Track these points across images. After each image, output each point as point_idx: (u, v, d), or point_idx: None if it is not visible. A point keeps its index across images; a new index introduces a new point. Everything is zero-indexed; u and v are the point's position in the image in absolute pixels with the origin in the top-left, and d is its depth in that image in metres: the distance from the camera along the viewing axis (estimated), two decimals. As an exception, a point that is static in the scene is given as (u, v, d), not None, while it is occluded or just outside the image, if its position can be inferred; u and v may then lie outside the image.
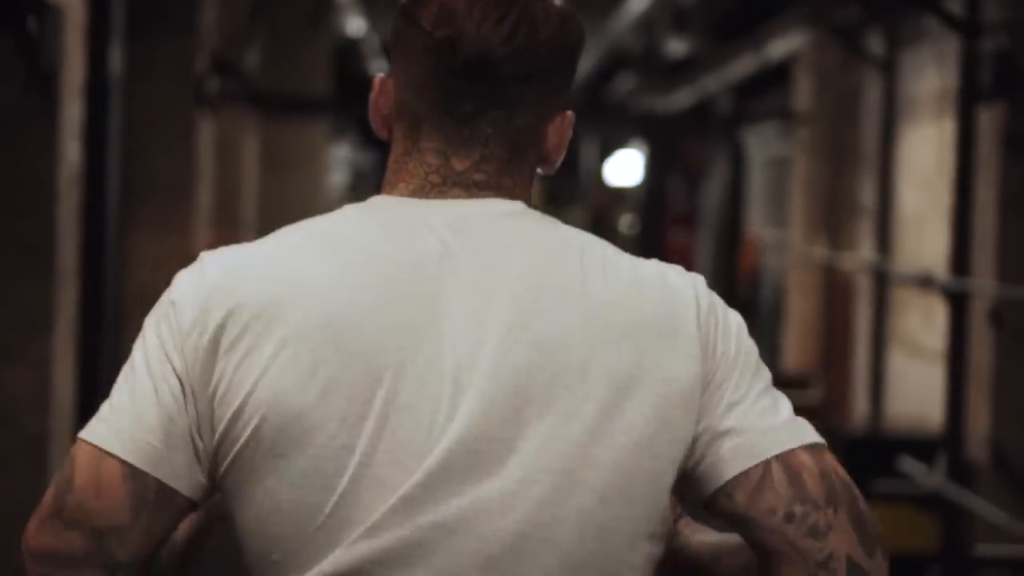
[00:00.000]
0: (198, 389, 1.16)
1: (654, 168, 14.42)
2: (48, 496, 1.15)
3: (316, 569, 1.13)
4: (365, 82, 9.34)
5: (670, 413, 1.17)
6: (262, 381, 1.14)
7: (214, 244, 9.04)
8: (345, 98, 12.08)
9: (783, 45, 8.86)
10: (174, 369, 1.17)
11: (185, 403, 1.16)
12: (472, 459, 1.13)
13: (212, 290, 1.21)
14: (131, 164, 8.33)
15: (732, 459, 1.18)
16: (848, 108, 7.57)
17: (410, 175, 1.22)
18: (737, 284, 10.22)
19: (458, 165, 1.22)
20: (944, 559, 4.33)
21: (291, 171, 12.98)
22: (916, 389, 7.07)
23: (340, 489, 1.12)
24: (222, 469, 1.16)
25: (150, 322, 1.26)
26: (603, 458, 1.15)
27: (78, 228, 5.30)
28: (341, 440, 1.13)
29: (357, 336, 1.14)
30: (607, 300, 1.18)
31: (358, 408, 1.13)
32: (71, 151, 5.21)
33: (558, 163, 1.27)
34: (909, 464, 4.66)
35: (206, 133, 8.58)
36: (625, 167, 15.61)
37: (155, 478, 1.15)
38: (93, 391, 7.00)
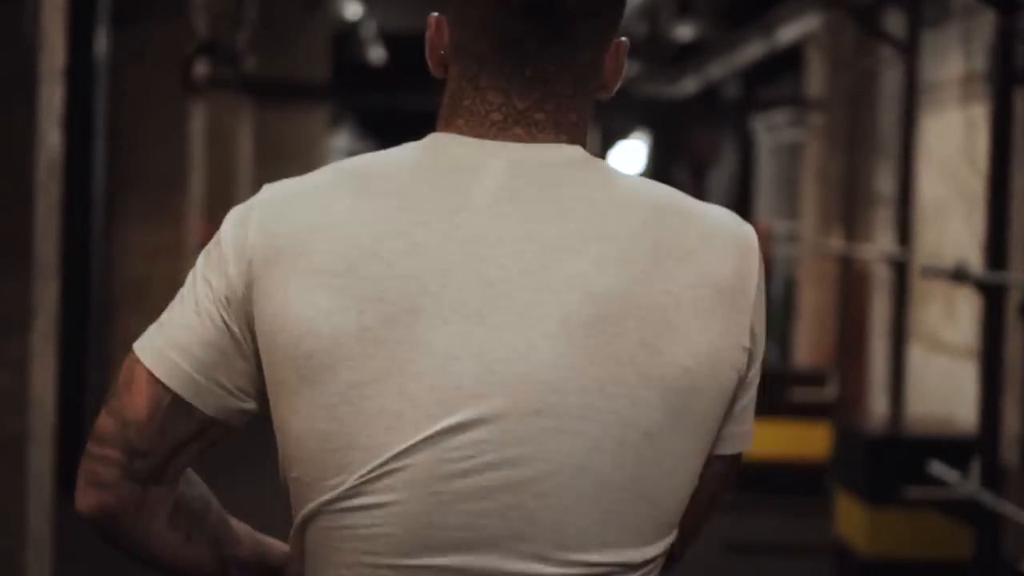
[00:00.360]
0: (236, 316, 1.22)
1: (658, 157, 14.14)
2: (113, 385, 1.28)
3: (332, 493, 1.18)
4: (364, 69, 9.12)
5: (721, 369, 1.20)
6: (288, 312, 1.18)
7: (207, 236, 8.76)
8: (343, 85, 11.77)
9: (795, 28, 8.57)
10: (214, 297, 1.24)
11: (225, 327, 1.23)
12: (513, 403, 1.15)
13: (253, 222, 1.22)
14: (120, 153, 8.07)
15: (721, 440, 1.24)
16: (864, 93, 7.29)
17: (469, 112, 1.22)
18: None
19: (520, 103, 1.21)
20: (979, 569, 4.05)
21: (289, 161, 12.69)
22: (936, 385, 6.80)
23: (359, 422, 1.17)
24: (269, 390, 1.22)
25: (202, 253, 1.30)
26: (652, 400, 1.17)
27: (59, 221, 5.02)
28: (357, 378, 1.16)
29: (374, 283, 1.17)
30: (662, 263, 1.18)
31: (371, 349, 1.16)
32: (52, 139, 4.92)
33: (615, 89, 1.28)
34: (939, 469, 4.38)
35: (199, 121, 8.29)
36: (629, 157, 15.32)
37: (172, 391, 1.24)
38: (78, 390, 6.75)
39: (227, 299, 1.23)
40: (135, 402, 1.24)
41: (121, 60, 7.74)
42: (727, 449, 1.25)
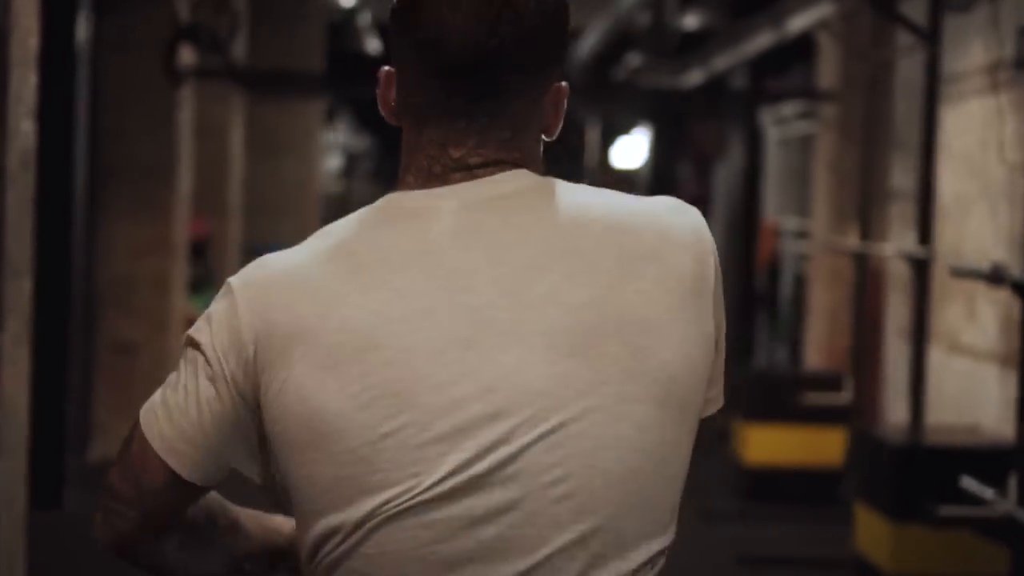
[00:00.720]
0: (241, 393, 1.31)
1: (661, 151, 13.83)
2: (125, 443, 1.38)
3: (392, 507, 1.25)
4: (361, 59, 8.80)
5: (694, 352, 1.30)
6: (297, 391, 1.26)
7: (197, 233, 8.45)
8: (338, 76, 11.45)
9: (806, 17, 8.26)
10: (216, 376, 1.31)
11: (231, 406, 1.31)
12: (517, 426, 1.23)
13: (251, 306, 1.30)
14: (105, 146, 7.78)
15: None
16: (880, 84, 6.98)
17: (416, 168, 1.31)
18: (754, 274, 9.62)
19: (455, 153, 1.29)
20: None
21: (284, 155, 12.40)
22: (956, 390, 6.50)
23: (384, 459, 1.24)
24: (279, 450, 1.30)
25: (199, 328, 1.35)
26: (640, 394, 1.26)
27: (33, 215, 4.71)
28: (373, 422, 1.24)
29: (372, 343, 1.24)
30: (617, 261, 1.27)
31: (381, 400, 1.24)
32: (24, 128, 4.61)
33: (556, 132, 1.34)
34: (972, 484, 4.08)
35: (187, 112, 7.98)
36: (632, 151, 15.01)
37: (179, 475, 1.34)
38: (57, 394, 6.45)
39: (231, 379, 1.31)
40: (150, 476, 1.35)
41: (105, 48, 7.43)
42: (702, 414, 1.34)
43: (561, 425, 1.23)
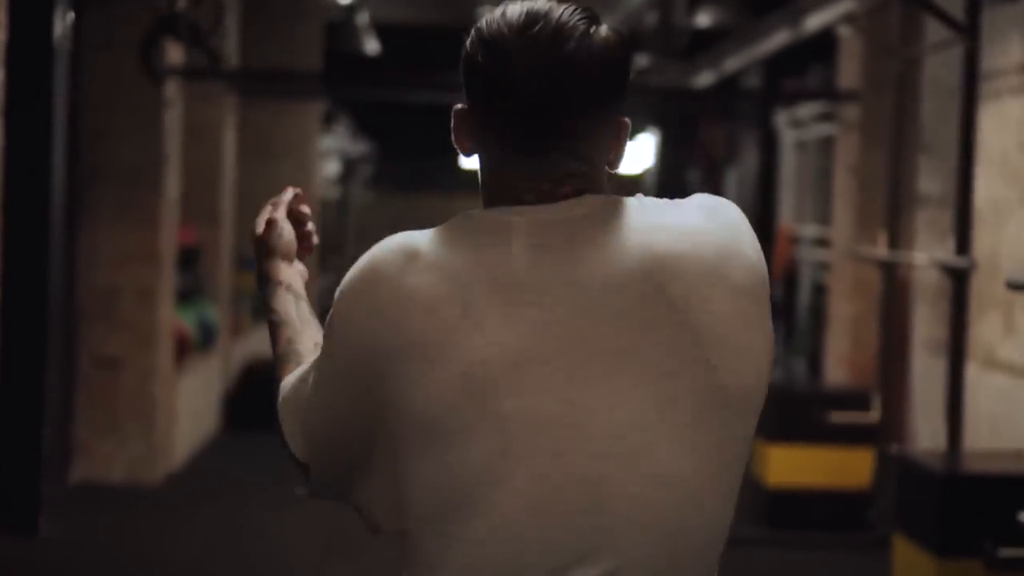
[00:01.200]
0: (370, 396, 1.43)
1: (670, 154, 13.42)
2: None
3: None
4: (359, 60, 8.30)
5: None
6: (412, 395, 1.39)
7: (186, 241, 8.03)
8: (335, 77, 11.05)
9: (827, 12, 7.87)
10: (349, 378, 1.45)
11: (361, 408, 1.44)
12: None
13: (374, 308, 1.42)
14: (86, 147, 7.37)
15: None
16: (906, 83, 6.58)
17: (505, 196, 1.44)
18: (770, 284, 9.23)
19: (545, 186, 1.43)
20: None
21: (279, 159, 12.00)
22: (991, 408, 6.10)
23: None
24: (398, 449, 1.42)
25: (329, 330, 1.48)
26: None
27: (-1, 222, 4.30)
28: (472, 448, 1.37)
29: (470, 344, 1.37)
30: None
31: (473, 412, 1.37)
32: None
33: (620, 163, 1.49)
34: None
35: (175, 113, 7.58)
36: (638, 155, 14.61)
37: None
38: (33, 412, 6.03)
39: (358, 382, 1.43)
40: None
41: (86, 45, 7.04)
42: None
43: (643, 430, 1.37)
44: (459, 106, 1.46)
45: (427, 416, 1.37)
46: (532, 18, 1.39)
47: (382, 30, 12.05)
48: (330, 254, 14.71)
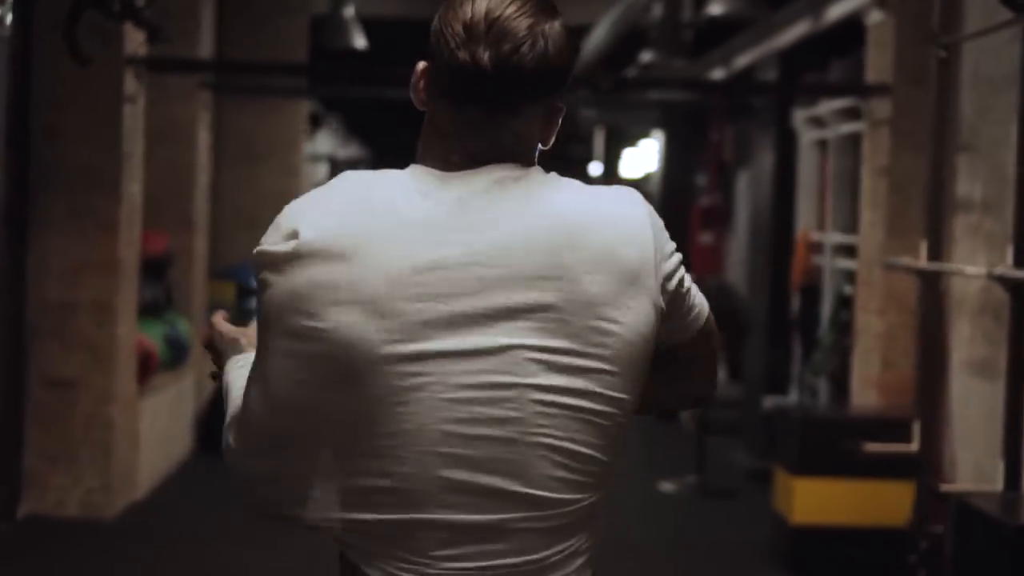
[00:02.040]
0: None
1: (676, 157, 12.76)
2: None
3: None
4: (346, 56, 7.62)
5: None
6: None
7: (155, 248, 7.35)
8: (318, 70, 10.39)
9: (849, 2, 7.21)
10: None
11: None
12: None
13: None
14: (36, 147, 6.63)
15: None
16: (948, 73, 5.90)
17: (438, 152, 1.64)
18: (788, 296, 8.52)
19: (471, 148, 1.62)
20: None
21: (263, 163, 11.33)
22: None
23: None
24: None
25: None
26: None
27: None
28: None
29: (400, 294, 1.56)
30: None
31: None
32: None
33: (550, 144, 1.68)
34: None
35: (138, 109, 6.90)
36: (643, 158, 13.94)
37: None
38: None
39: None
40: None
41: (34, 32, 6.35)
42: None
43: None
44: (423, 63, 1.66)
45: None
46: (495, 6, 1.58)
47: (370, 25, 11.43)
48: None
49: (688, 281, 1.68)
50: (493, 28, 1.57)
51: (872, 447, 5.62)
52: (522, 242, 1.56)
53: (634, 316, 1.59)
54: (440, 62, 1.61)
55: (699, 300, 1.72)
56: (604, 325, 1.57)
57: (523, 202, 1.59)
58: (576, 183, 1.65)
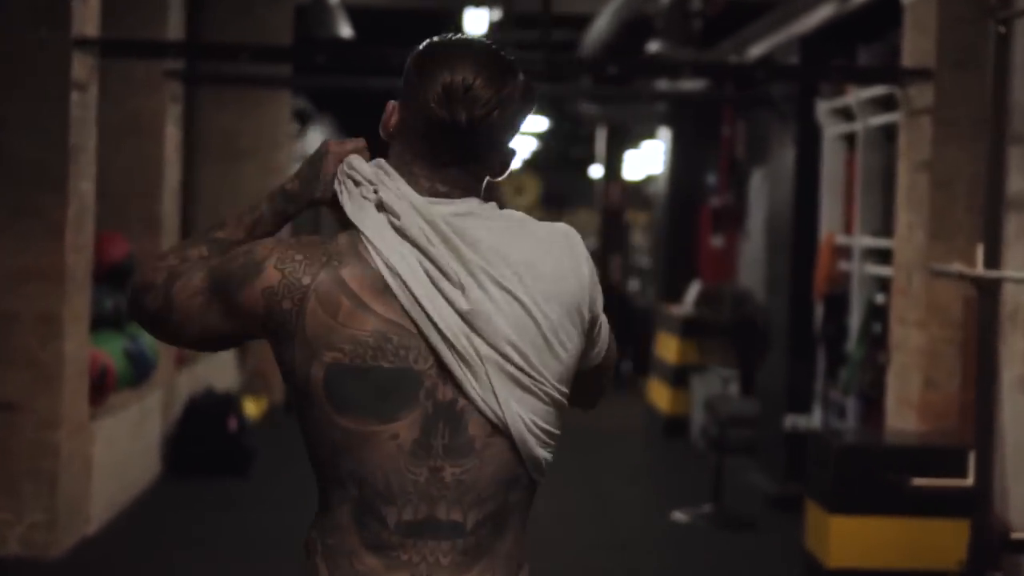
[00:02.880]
0: None
1: (685, 156, 12.05)
2: None
3: None
4: (334, 46, 7.10)
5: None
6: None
7: (115, 253, 6.62)
8: (299, 59, 9.66)
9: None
10: None
11: None
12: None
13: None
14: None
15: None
16: (1001, 55, 5.17)
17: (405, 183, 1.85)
18: (811, 307, 7.78)
19: (434, 182, 1.84)
20: None
21: (246, 161, 10.61)
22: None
23: None
24: None
25: None
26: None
27: None
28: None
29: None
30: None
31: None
32: None
33: (502, 177, 1.91)
34: None
35: (90, 97, 6.18)
36: (648, 158, 13.21)
37: None
38: None
39: None
40: None
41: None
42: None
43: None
44: (393, 102, 1.87)
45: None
46: (464, 62, 1.80)
47: (355, 14, 10.74)
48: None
49: (605, 325, 1.93)
50: (468, 94, 1.78)
51: (921, 482, 4.89)
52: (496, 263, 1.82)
53: (574, 346, 1.84)
54: (415, 107, 1.82)
55: (605, 340, 1.94)
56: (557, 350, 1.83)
57: (484, 232, 1.81)
58: (524, 218, 1.87)
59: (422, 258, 1.76)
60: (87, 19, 5.99)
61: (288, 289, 1.75)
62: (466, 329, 1.75)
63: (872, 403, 6.82)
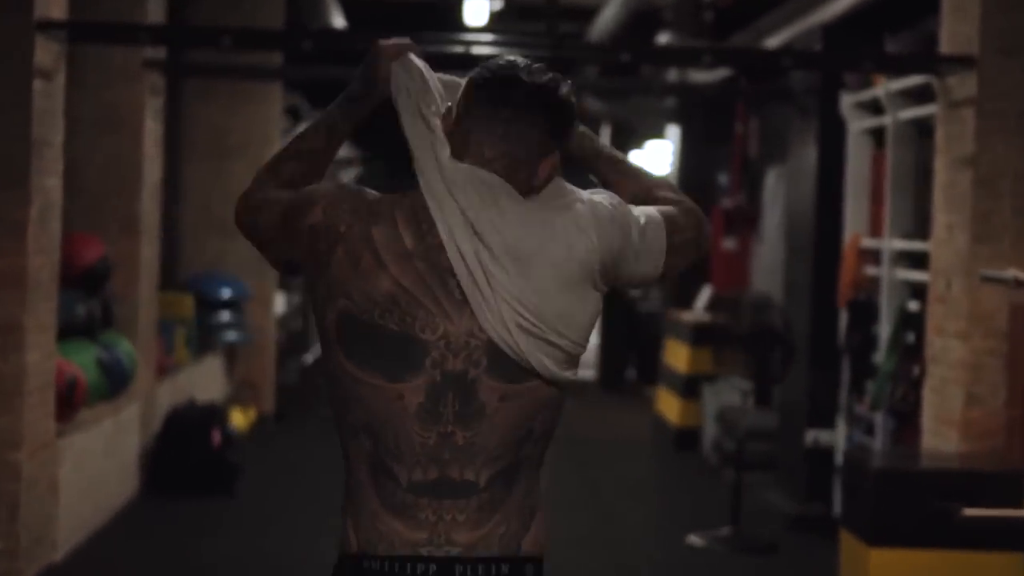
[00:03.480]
0: None
1: (693, 151, 11.56)
2: None
3: None
4: (328, 36, 6.25)
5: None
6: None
7: (87, 256, 6.14)
8: (286, 45, 9.15)
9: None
10: None
11: None
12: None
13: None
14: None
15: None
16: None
17: (473, 156, 1.99)
18: (836, 315, 7.28)
19: (489, 154, 1.99)
20: None
21: (235, 159, 10.12)
22: None
23: None
24: None
25: None
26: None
27: None
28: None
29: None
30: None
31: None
32: None
33: (537, 185, 2.01)
34: None
35: (55, 88, 5.68)
36: (656, 156, 12.71)
37: None
38: None
39: None
40: None
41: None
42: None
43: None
44: (449, 104, 2.05)
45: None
46: (521, 75, 1.98)
47: (349, 4, 10.27)
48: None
49: (647, 226, 2.10)
50: (531, 66, 1.99)
51: (973, 512, 4.39)
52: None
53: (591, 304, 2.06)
54: (482, 107, 2.00)
55: (660, 235, 2.11)
56: None
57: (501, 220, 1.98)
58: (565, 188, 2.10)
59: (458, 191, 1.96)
60: (52, 1, 5.50)
61: (326, 231, 1.93)
62: (487, 256, 1.90)
63: (904, 419, 6.31)
